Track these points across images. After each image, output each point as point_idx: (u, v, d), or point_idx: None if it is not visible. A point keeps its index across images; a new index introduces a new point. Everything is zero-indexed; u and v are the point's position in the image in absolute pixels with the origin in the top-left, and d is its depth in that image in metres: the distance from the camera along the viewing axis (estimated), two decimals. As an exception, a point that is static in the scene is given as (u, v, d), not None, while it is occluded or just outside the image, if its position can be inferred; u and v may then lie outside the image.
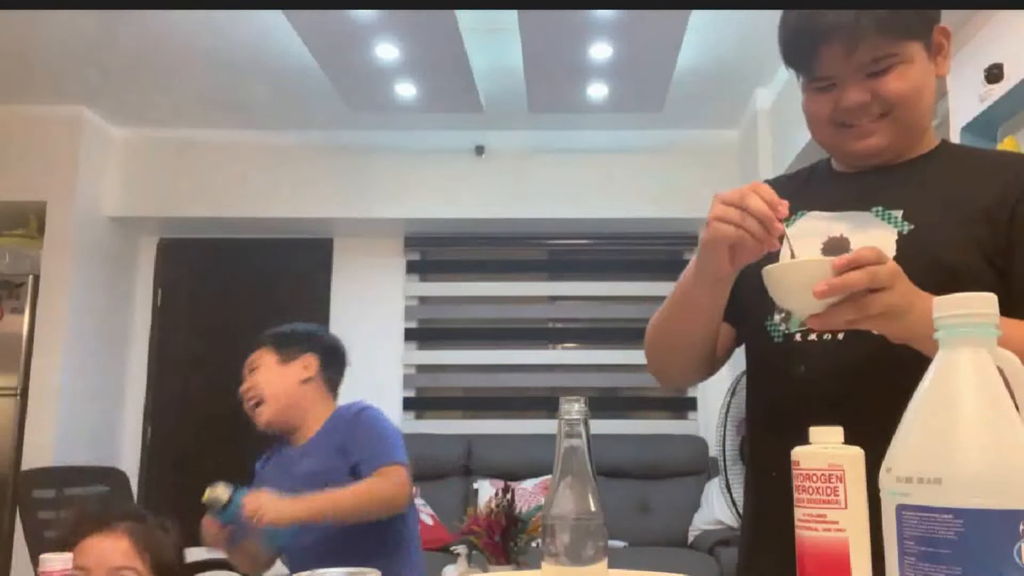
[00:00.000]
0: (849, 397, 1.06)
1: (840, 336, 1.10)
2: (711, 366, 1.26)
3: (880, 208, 1.13)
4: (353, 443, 1.92)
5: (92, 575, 1.34)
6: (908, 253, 1.06)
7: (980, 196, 1.09)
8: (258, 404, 2.02)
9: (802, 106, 1.19)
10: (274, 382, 2.03)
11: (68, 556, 0.93)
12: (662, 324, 1.22)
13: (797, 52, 1.14)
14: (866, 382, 1.06)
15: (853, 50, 1.08)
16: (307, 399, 2.05)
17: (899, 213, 1.11)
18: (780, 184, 1.30)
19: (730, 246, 1.01)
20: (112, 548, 1.36)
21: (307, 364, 2.07)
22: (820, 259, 0.92)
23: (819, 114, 1.16)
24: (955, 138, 2.53)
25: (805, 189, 1.24)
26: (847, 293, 0.89)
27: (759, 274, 0.99)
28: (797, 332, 1.14)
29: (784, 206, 0.97)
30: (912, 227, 1.09)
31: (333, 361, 2.13)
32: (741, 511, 1.33)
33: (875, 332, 0.96)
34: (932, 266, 1.03)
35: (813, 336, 1.12)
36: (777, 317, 1.17)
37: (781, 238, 0.98)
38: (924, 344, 0.88)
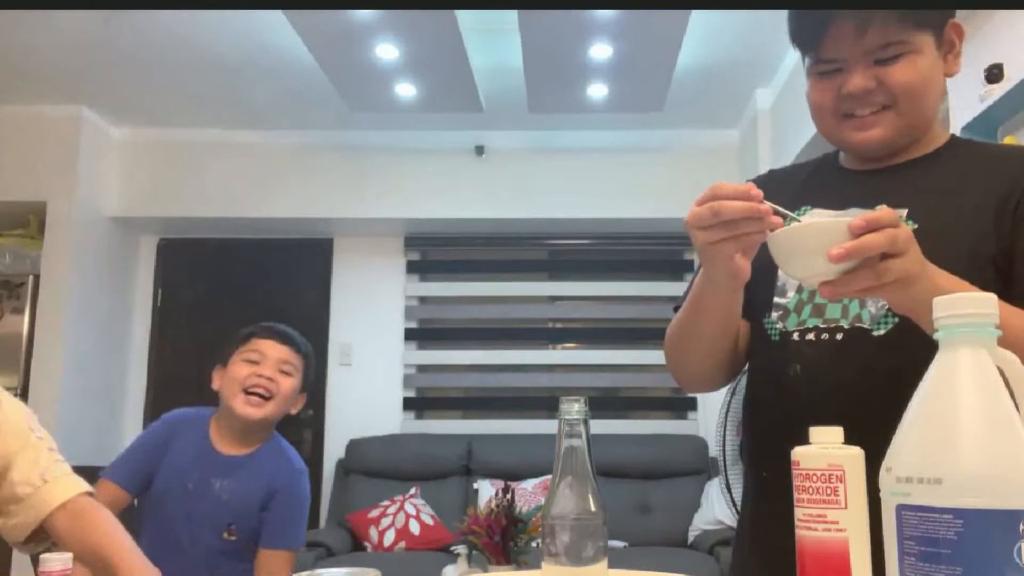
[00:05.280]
0: (844, 401, 1.04)
1: (839, 336, 1.08)
2: (734, 366, 1.22)
3: (884, 207, 1.11)
4: (274, 508, 1.98)
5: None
6: None
7: (988, 196, 1.07)
8: (268, 399, 1.97)
9: (806, 94, 1.16)
10: (291, 390, 2.02)
11: (68, 556, 0.93)
12: (678, 329, 1.17)
13: (805, 30, 1.10)
14: (862, 387, 1.04)
15: (863, 32, 1.05)
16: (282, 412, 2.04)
17: (903, 212, 1.08)
18: (785, 174, 1.29)
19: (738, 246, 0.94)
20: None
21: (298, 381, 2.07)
22: (834, 221, 0.86)
23: (822, 102, 1.12)
24: (955, 138, 2.53)
25: (811, 181, 1.22)
26: (863, 258, 0.85)
27: (758, 267, 0.95)
28: (795, 331, 1.12)
29: (752, 187, 0.90)
30: (916, 227, 1.06)
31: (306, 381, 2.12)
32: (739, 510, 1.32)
33: (884, 300, 0.92)
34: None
35: (811, 336, 1.10)
36: (775, 315, 1.15)
37: (785, 217, 0.91)
38: (926, 317, 0.81)
